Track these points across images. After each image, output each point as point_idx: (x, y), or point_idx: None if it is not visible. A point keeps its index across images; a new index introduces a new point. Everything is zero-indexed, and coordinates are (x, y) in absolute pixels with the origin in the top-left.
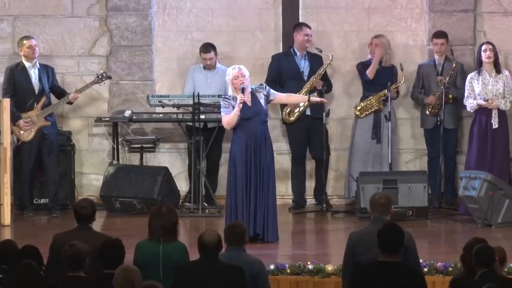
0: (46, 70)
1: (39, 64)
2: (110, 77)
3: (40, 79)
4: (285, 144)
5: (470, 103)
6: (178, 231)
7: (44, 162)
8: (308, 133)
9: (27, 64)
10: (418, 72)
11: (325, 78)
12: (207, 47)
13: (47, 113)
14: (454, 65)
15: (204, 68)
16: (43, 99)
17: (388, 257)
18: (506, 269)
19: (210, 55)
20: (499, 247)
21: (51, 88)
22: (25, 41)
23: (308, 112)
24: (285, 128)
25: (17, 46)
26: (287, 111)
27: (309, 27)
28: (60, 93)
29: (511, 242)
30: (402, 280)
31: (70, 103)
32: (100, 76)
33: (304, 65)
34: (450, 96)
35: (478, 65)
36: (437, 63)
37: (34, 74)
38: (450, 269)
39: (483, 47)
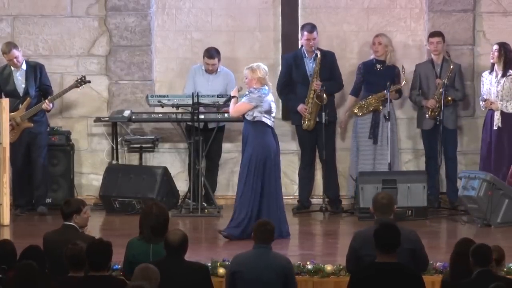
0: (34, 70)
1: (27, 64)
2: (89, 81)
3: (26, 80)
4: (284, 144)
5: (480, 103)
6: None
7: (32, 163)
8: (316, 135)
9: (12, 67)
10: (415, 73)
11: (333, 78)
12: (212, 53)
13: (30, 114)
14: (451, 66)
15: (206, 70)
16: (27, 101)
17: (385, 257)
18: (505, 269)
19: (214, 61)
20: (497, 246)
21: (38, 88)
22: (4, 55)
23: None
24: (295, 130)
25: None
26: (306, 121)
27: (310, 31)
28: (45, 93)
29: (511, 242)
30: (400, 280)
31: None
32: (79, 80)
33: (311, 68)
34: (449, 98)
35: (492, 64)
36: (435, 64)
37: (19, 77)
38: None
39: (493, 48)
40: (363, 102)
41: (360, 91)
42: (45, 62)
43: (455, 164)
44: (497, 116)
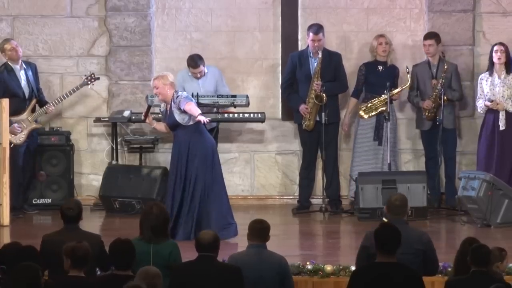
0: (31, 69)
1: (24, 63)
2: (98, 78)
3: (28, 81)
4: (284, 144)
5: (480, 104)
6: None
7: (30, 163)
8: (318, 135)
9: (13, 66)
10: (412, 74)
11: (337, 78)
12: (196, 61)
13: (38, 116)
14: (445, 66)
15: (194, 77)
16: (33, 102)
17: (385, 258)
18: (505, 270)
19: (199, 69)
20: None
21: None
22: (6, 45)
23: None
24: (298, 130)
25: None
26: (306, 120)
27: (315, 32)
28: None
29: (510, 242)
30: (400, 280)
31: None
32: (89, 78)
33: (315, 67)
34: (445, 98)
35: (490, 66)
36: (431, 64)
37: (22, 76)
38: (450, 269)
39: (495, 48)
40: (369, 104)
41: (362, 92)
42: (45, 63)
43: (454, 164)
44: (503, 117)
